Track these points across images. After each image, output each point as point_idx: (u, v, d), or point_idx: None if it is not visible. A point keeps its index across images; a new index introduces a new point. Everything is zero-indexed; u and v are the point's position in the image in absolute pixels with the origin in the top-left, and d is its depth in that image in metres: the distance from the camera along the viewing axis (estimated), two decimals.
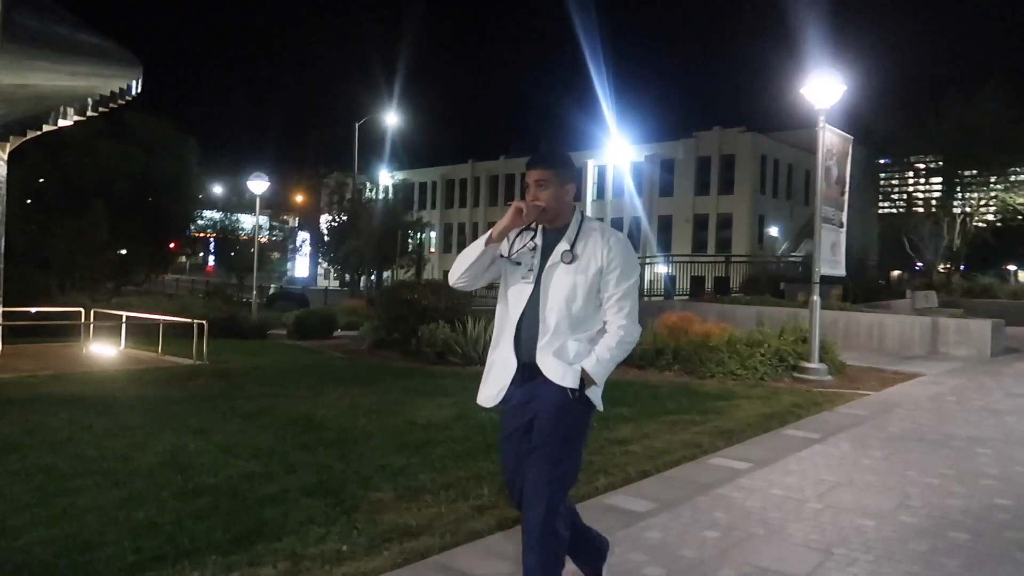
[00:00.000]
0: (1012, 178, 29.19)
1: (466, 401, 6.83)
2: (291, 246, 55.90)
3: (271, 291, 37.93)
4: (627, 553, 3.75)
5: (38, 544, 3.80)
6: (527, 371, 2.79)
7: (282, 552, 3.69)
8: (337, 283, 53.93)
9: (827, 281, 12.45)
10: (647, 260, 30.78)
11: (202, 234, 46.15)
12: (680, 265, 34.16)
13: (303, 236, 63.70)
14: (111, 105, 11.25)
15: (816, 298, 9.82)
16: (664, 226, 56.69)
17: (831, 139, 10.28)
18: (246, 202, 40.63)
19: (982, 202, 29.87)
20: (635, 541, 3.96)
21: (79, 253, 24.89)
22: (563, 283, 2.77)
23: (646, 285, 29.75)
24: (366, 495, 4.64)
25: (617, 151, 58.58)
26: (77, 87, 10.60)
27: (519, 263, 2.85)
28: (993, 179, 28.93)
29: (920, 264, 31.18)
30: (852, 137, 11.03)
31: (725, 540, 4.01)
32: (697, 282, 26.78)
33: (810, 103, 9.65)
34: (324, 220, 44.24)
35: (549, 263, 2.81)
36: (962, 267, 31.74)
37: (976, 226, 29.53)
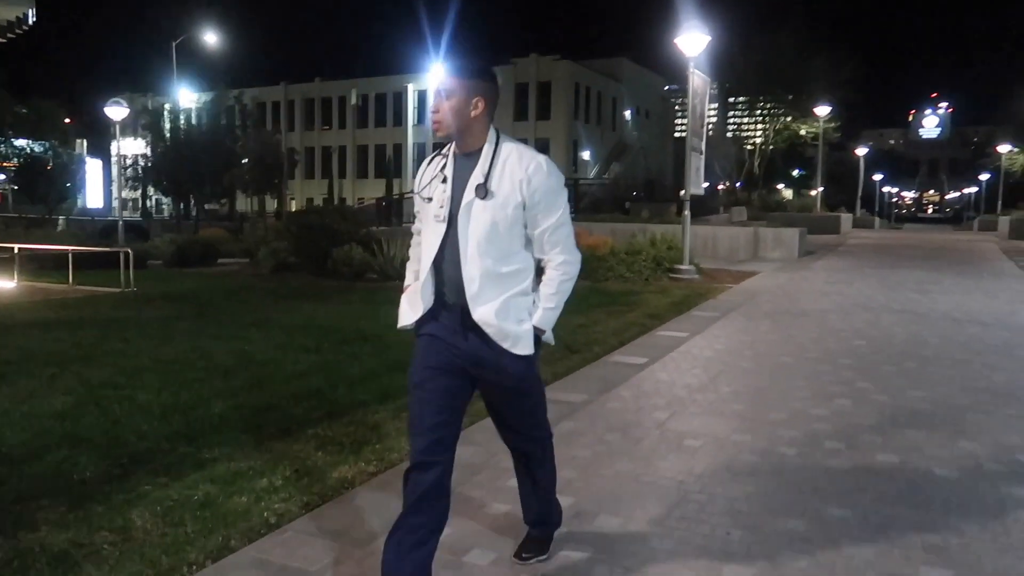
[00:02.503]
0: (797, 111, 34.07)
1: None
2: (81, 174, 51.36)
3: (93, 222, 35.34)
4: (646, 384, 5.50)
5: (230, 410, 4.84)
6: (452, 316, 2.44)
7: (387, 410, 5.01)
8: (138, 214, 50.70)
9: (659, 200, 14.83)
10: None
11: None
12: None
13: (95, 163, 58.46)
14: (8, 35, 10.86)
15: (687, 213, 12.06)
16: None
17: (697, 82, 12.36)
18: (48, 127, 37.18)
19: (776, 129, 34.60)
20: (647, 378, 5.71)
21: None
22: (481, 222, 2.34)
23: None
24: None
25: (437, 75, 59.04)
26: None
27: (430, 198, 2.44)
28: (782, 112, 33.58)
29: (707, 184, 35.63)
30: (709, 79, 13.23)
31: (707, 368, 5.88)
32: None
33: (681, 51, 11.61)
34: (138, 145, 41.42)
35: (464, 199, 2.36)
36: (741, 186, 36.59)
37: (770, 150, 34.26)
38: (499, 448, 3.27)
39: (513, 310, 2.40)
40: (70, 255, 12.48)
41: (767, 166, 34.45)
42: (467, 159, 2.41)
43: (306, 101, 66.88)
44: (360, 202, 45.34)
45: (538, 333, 2.45)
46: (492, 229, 2.35)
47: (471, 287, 2.36)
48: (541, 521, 2.90)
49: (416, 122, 61.84)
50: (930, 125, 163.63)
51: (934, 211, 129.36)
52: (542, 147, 57.33)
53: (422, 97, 61.46)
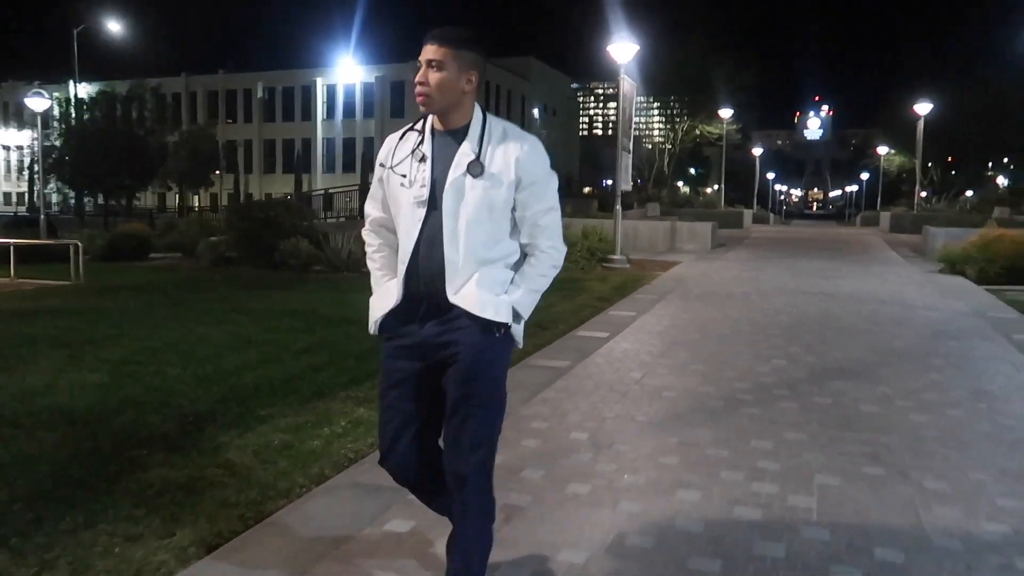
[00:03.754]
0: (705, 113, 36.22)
1: None
2: None
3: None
4: (615, 352, 6.40)
5: (260, 379, 5.41)
6: (428, 307, 2.27)
7: None
8: (23, 208, 48.24)
9: (575, 195, 15.89)
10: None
11: None
12: None
13: None
14: None
15: (619, 207, 13.13)
16: None
17: (626, 87, 13.42)
18: None
19: (685, 130, 36.62)
20: (614, 348, 6.61)
21: None
22: (470, 202, 2.19)
23: None
24: None
25: (346, 71, 58.78)
26: None
27: (404, 175, 2.25)
28: (687, 113, 35.61)
29: (609, 182, 37.42)
30: (635, 83, 14.34)
31: (662, 339, 6.83)
32: None
33: (613, 59, 12.64)
34: (23, 137, 39.50)
35: (451, 177, 2.20)
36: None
37: (678, 150, 36.24)
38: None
39: (495, 279, 2.25)
40: (12, 248, 12.33)
41: (674, 165, 36.44)
42: (449, 136, 2.24)
43: (209, 93, 65.05)
44: (267, 197, 44.66)
45: (515, 316, 2.27)
46: (483, 209, 2.19)
47: (452, 270, 2.20)
48: None
49: (325, 117, 61.24)
50: (814, 127, 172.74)
51: (818, 208, 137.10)
52: None
53: (331, 91, 60.91)
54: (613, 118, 38.68)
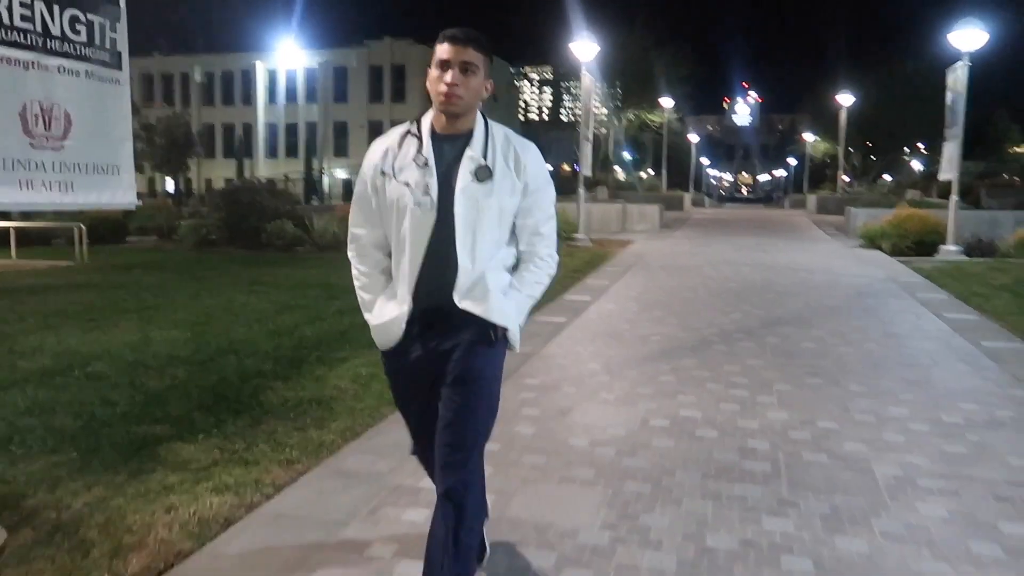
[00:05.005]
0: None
1: None
2: None
3: None
4: (601, 311, 7.73)
5: (320, 333, 6.52)
6: (434, 317, 2.24)
7: None
8: None
9: None
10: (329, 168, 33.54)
11: None
12: None
13: None
14: None
15: (582, 190, 14.46)
16: (340, 132, 58.93)
17: (587, 82, 14.73)
18: None
19: (629, 119, 38.31)
20: (600, 308, 7.93)
21: None
22: (484, 208, 2.16)
23: (326, 190, 32.88)
24: None
25: (288, 55, 58.52)
26: None
27: (407, 183, 2.17)
28: (633, 103, 37.28)
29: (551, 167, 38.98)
30: (594, 78, 15.66)
31: (638, 301, 8.19)
32: None
33: (576, 56, 13.93)
34: None
35: (461, 183, 2.15)
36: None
37: (622, 138, 37.92)
38: None
39: (496, 287, 2.22)
40: (12, 231, 12.90)
41: (615, 151, 38.15)
42: (449, 141, 2.19)
43: (144, 77, 63.66)
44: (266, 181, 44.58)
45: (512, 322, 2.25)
46: (494, 215, 2.18)
47: (464, 277, 2.17)
48: None
49: (268, 101, 60.87)
50: (742, 113, 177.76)
51: (748, 192, 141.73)
52: None
53: (272, 76, 60.53)
54: (550, 103, 40.12)
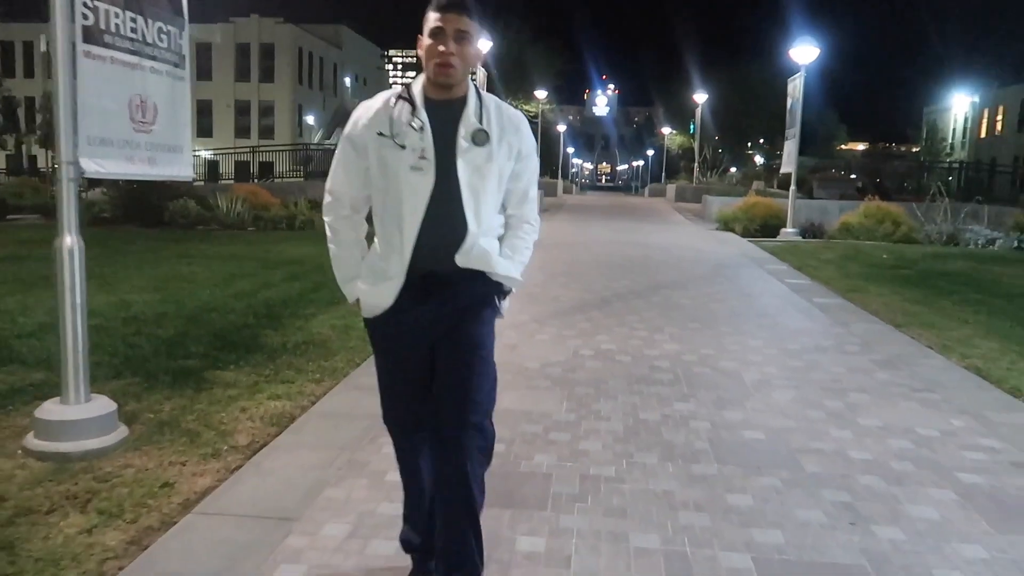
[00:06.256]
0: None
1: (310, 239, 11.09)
2: None
3: None
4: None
5: (273, 296, 7.42)
6: (430, 281, 2.22)
7: None
8: None
9: None
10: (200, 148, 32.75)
11: None
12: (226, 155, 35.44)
13: None
14: None
15: None
16: (204, 110, 56.71)
17: (480, 76, 15.88)
18: None
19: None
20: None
21: None
22: (484, 172, 2.17)
23: (204, 171, 32.28)
24: None
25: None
26: None
27: (403, 146, 2.14)
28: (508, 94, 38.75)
29: None
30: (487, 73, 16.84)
31: (543, 271, 9.57)
32: (242, 167, 30.77)
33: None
34: None
35: (462, 146, 2.15)
36: None
37: None
38: None
39: (495, 248, 2.29)
40: None
41: None
42: (442, 107, 2.18)
43: None
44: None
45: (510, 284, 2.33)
46: (494, 179, 2.21)
47: (471, 240, 2.18)
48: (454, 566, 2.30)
49: None
50: (601, 104, 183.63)
51: (607, 180, 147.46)
52: (267, 110, 57.15)
53: None
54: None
